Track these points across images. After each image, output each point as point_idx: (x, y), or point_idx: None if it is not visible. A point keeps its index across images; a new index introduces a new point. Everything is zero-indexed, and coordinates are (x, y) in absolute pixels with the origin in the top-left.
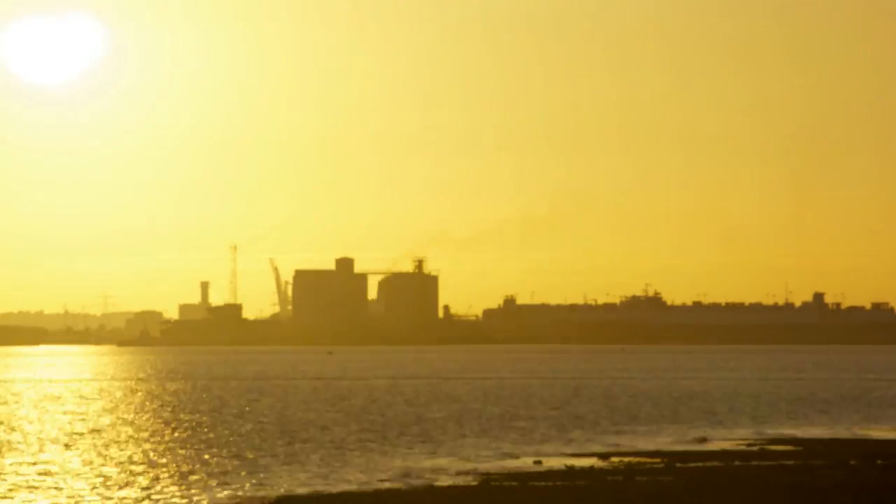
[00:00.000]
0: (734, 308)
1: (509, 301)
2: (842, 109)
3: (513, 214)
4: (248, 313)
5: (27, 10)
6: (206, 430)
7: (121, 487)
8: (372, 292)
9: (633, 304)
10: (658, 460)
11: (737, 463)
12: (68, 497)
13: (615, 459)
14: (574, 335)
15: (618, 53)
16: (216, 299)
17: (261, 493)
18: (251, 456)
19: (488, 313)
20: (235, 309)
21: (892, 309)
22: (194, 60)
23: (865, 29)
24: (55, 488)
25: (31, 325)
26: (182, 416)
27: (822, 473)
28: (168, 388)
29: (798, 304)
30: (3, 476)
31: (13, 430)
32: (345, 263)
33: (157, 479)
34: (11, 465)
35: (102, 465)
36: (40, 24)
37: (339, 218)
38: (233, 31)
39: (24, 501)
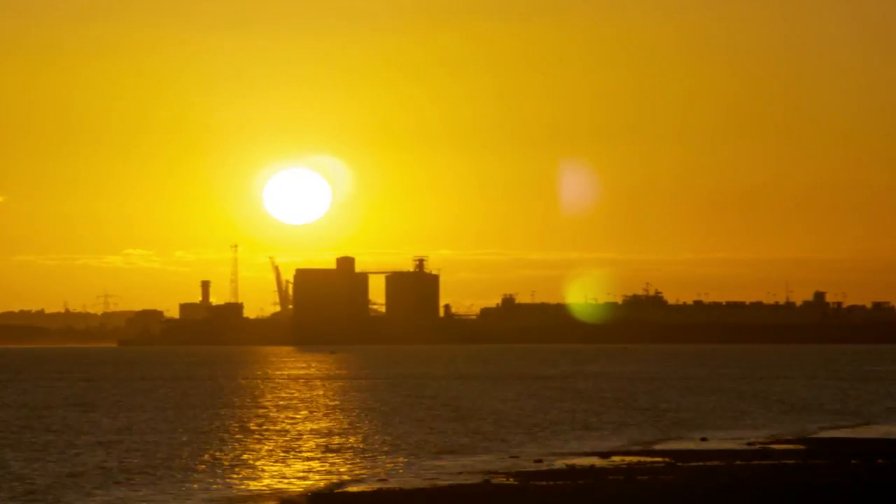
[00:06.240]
0: (735, 307)
1: (508, 300)
2: (841, 109)
3: (513, 214)
4: (249, 312)
5: (277, 160)
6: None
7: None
8: (373, 291)
9: (634, 302)
10: (659, 460)
11: (737, 462)
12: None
13: (616, 458)
14: (574, 334)
15: (616, 54)
16: (217, 298)
17: (258, 492)
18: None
19: (488, 312)
20: (236, 308)
21: (892, 308)
22: None
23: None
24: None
25: (31, 324)
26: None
27: (822, 473)
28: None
29: (799, 303)
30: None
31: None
32: (346, 262)
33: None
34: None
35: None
36: (289, 169)
37: (341, 217)
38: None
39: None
